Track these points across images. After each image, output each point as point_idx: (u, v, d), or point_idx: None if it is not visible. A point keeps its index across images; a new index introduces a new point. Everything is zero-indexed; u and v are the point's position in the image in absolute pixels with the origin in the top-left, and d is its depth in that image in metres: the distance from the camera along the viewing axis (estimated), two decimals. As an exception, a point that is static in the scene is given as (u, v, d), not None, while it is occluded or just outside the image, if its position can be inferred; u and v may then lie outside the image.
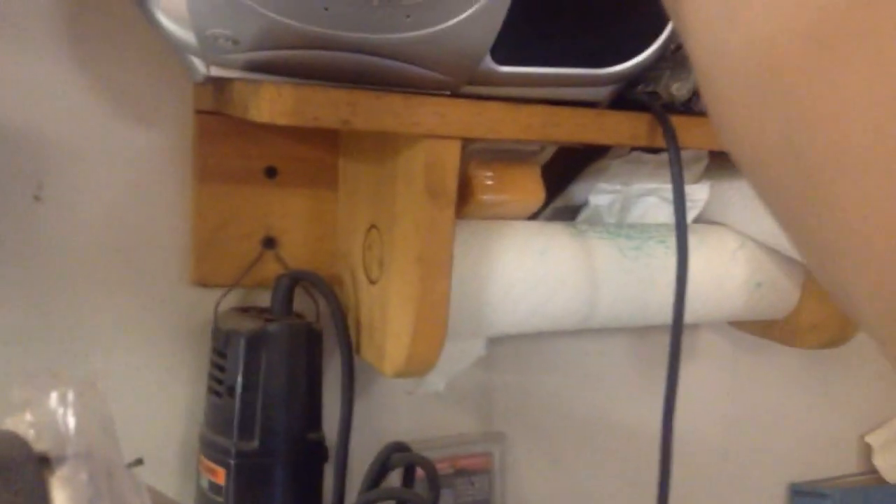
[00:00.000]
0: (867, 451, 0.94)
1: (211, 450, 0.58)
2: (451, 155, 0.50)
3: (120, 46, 0.57)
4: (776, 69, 0.21)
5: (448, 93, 0.51)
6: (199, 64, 0.47)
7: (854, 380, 0.93)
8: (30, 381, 0.26)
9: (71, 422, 0.25)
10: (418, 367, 0.54)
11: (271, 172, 0.61)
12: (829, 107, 0.20)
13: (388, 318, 0.55)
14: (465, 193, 0.56)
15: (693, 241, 0.61)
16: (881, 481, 0.93)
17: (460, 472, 0.71)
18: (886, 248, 0.19)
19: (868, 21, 0.19)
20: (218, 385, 0.58)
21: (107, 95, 0.57)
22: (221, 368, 0.58)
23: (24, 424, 0.29)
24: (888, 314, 0.19)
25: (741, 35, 0.22)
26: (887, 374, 0.95)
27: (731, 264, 0.65)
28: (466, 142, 0.53)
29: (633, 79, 0.55)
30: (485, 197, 0.57)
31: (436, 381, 0.63)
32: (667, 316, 0.61)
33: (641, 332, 0.79)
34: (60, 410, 0.25)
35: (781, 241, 0.64)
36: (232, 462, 0.57)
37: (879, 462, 0.93)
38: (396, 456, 0.60)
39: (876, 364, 0.94)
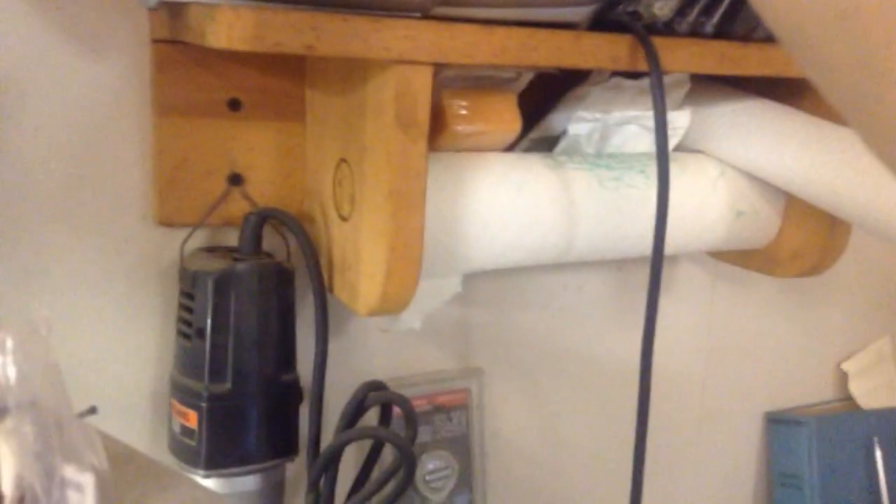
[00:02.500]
0: (843, 378, 0.95)
1: (182, 393, 0.56)
2: (422, 82, 0.47)
3: (65, -30, 0.53)
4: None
5: (418, 15, 0.48)
6: (149, -14, 0.44)
7: (830, 307, 0.93)
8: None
9: (11, 371, 0.23)
10: (392, 305, 0.52)
11: (235, 105, 0.58)
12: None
13: (360, 256, 0.53)
14: (437, 124, 0.54)
15: (674, 169, 0.59)
16: (856, 407, 0.94)
17: (438, 409, 0.70)
18: None
19: None
20: (187, 328, 0.56)
21: (57, 27, 0.54)
22: (190, 310, 0.56)
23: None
24: None
25: None
26: (863, 302, 0.95)
27: (712, 193, 0.64)
28: (438, 68, 0.50)
29: (612, -1, 0.52)
30: (458, 127, 0.55)
31: (411, 318, 0.61)
32: (646, 247, 0.59)
33: (619, 264, 0.77)
34: (0, 359, 0.23)
35: (763, 167, 0.63)
36: (204, 405, 0.55)
37: (854, 389, 0.94)
38: (373, 395, 0.59)
39: (852, 292, 0.94)
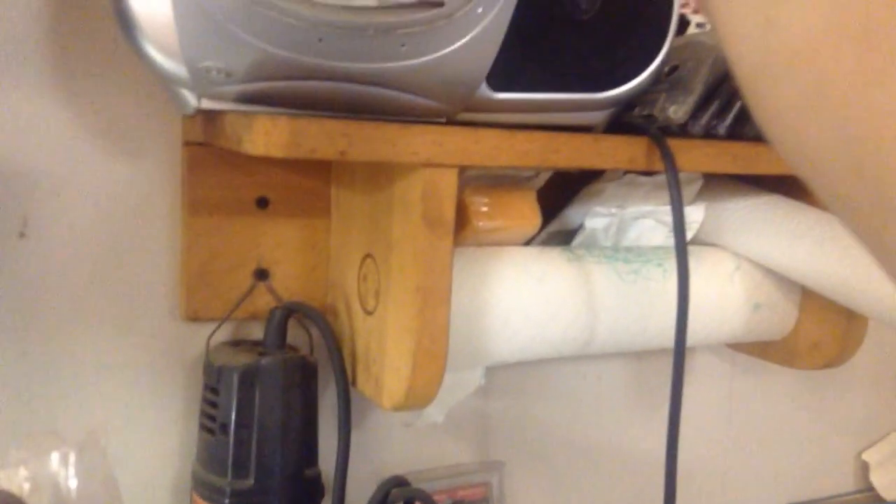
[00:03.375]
0: (865, 469, 0.94)
1: (204, 489, 0.56)
2: (448, 183, 0.49)
3: (105, 80, 0.56)
4: (823, 76, 0.19)
5: (444, 120, 0.50)
6: (189, 96, 0.46)
7: (850, 398, 0.92)
8: (29, 440, 0.25)
9: (73, 483, 0.24)
10: (418, 400, 0.52)
11: (262, 202, 0.60)
12: (893, 121, 0.18)
13: (385, 350, 0.54)
14: (460, 220, 0.55)
15: (691, 263, 0.60)
16: (879, 499, 0.92)
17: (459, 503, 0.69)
18: None
19: None
20: (211, 422, 0.56)
21: (93, 129, 0.56)
22: (214, 405, 0.56)
23: (18, 478, 0.27)
24: None
25: (780, 40, 0.20)
26: (882, 392, 0.95)
27: (729, 286, 0.65)
28: (462, 169, 0.52)
29: (629, 103, 0.54)
30: (481, 224, 0.57)
31: (435, 412, 0.61)
32: (665, 339, 0.60)
33: (638, 355, 0.78)
34: (62, 472, 0.24)
35: (777, 262, 0.64)
36: (227, 501, 0.55)
37: (876, 480, 0.93)
38: (395, 491, 0.59)
39: (871, 382, 0.93)
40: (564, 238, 0.65)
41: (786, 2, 0.20)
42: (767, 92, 0.21)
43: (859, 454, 0.94)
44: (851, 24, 0.18)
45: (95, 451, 0.25)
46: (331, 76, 0.44)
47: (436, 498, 0.63)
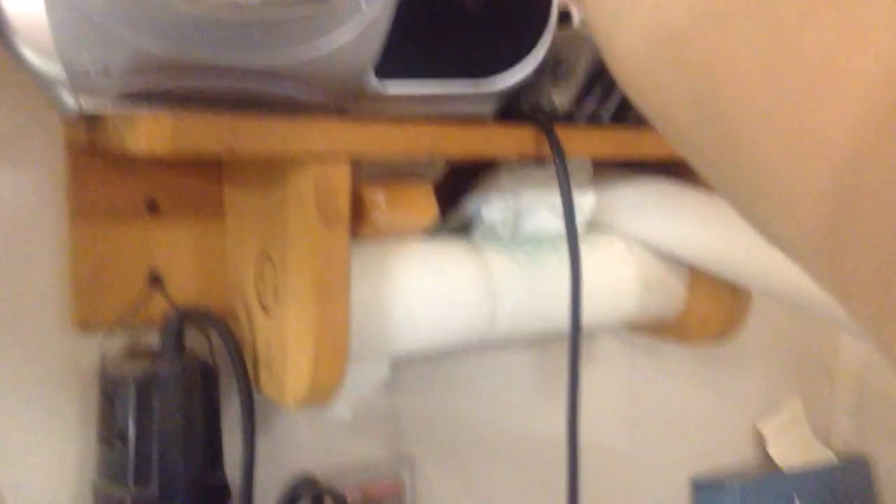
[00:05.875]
0: (762, 439, 0.99)
1: (106, 500, 0.55)
2: (342, 177, 0.49)
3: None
4: (676, 42, 0.22)
5: (334, 113, 0.50)
6: (68, 98, 0.45)
7: (744, 373, 0.97)
8: None
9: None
10: (321, 395, 0.52)
11: (152, 206, 0.59)
12: (719, 61, 0.21)
13: (286, 348, 0.54)
14: (358, 214, 0.55)
15: (583, 248, 0.62)
16: (776, 467, 0.97)
17: (371, 500, 0.69)
18: (798, 182, 0.20)
19: None
20: (109, 433, 0.55)
21: (-33, 135, 0.54)
22: (112, 416, 0.55)
23: None
24: (815, 247, 0.20)
25: (641, 16, 0.23)
26: (774, 365, 1.00)
27: (622, 268, 0.67)
28: (356, 162, 0.52)
29: (516, 93, 0.56)
30: (378, 217, 0.57)
31: (342, 409, 0.61)
32: (566, 323, 0.62)
33: (542, 344, 0.80)
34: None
35: (665, 243, 0.66)
36: (129, 512, 0.54)
37: (773, 450, 0.98)
38: (303, 489, 0.58)
39: (762, 356, 0.98)
40: (464, 229, 0.66)
41: None
42: (620, 48, 0.24)
43: (756, 425, 0.99)
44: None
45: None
46: (214, 72, 0.44)
47: (347, 495, 0.62)
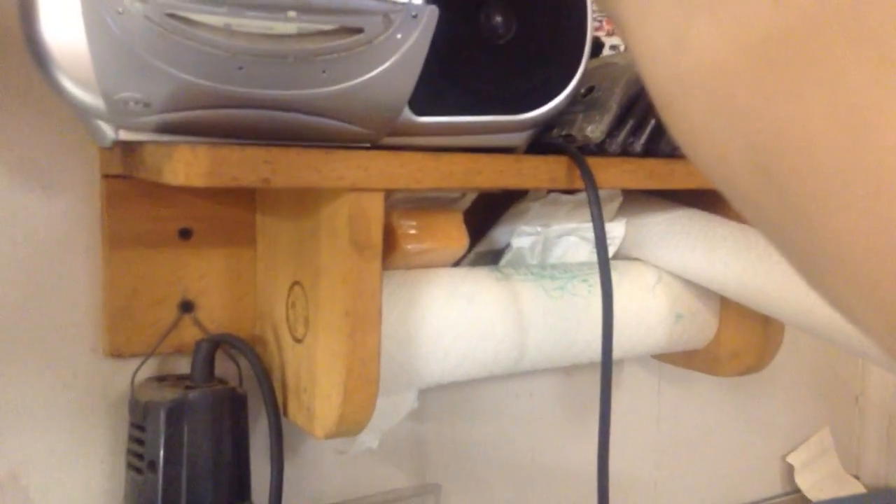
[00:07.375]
0: (790, 471, 0.97)
1: (134, 530, 0.55)
2: (375, 207, 0.49)
3: (19, 114, 0.54)
4: (729, 91, 0.20)
5: (368, 145, 0.50)
6: (107, 129, 0.45)
7: (772, 403, 0.96)
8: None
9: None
10: (351, 426, 0.52)
11: (185, 234, 0.59)
12: (790, 129, 0.19)
13: (316, 378, 0.54)
14: (389, 244, 0.56)
15: (614, 277, 0.62)
16: (805, 500, 0.95)
17: (397, 529, 0.69)
18: (875, 269, 0.19)
19: (817, 42, 0.19)
20: (138, 461, 0.55)
21: (6, 165, 0.54)
22: (141, 443, 0.55)
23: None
24: (891, 326, 0.19)
25: (690, 59, 0.21)
26: (803, 396, 0.98)
27: (652, 298, 0.67)
28: (388, 192, 0.52)
29: (548, 124, 0.56)
30: (409, 246, 0.57)
31: (369, 438, 0.61)
32: (593, 352, 0.61)
33: (568, 371, 0.79)
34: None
35: (696, 273, 0.66)
36: (158, 541, 0.54)
37: (801, 481, 0.96)
38: (332, 519, 0.58)
39: (792, 387, 0.97)
40: (492, 258, 0.66)
41: (693, 23, 0.21)
42: (681, 107, 0.23)
43: (784, 457, 0.97)
44: (752, 42, 0.20)
45: (15, 488, 0.24)
46: (252, 104, 0.44)
47: (373, 525, 0.62)
